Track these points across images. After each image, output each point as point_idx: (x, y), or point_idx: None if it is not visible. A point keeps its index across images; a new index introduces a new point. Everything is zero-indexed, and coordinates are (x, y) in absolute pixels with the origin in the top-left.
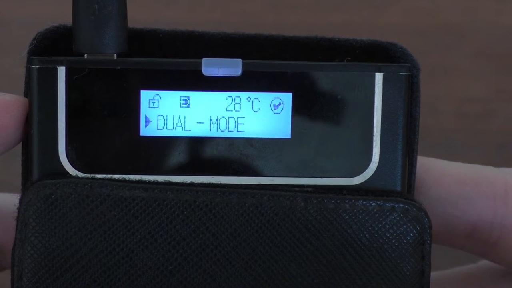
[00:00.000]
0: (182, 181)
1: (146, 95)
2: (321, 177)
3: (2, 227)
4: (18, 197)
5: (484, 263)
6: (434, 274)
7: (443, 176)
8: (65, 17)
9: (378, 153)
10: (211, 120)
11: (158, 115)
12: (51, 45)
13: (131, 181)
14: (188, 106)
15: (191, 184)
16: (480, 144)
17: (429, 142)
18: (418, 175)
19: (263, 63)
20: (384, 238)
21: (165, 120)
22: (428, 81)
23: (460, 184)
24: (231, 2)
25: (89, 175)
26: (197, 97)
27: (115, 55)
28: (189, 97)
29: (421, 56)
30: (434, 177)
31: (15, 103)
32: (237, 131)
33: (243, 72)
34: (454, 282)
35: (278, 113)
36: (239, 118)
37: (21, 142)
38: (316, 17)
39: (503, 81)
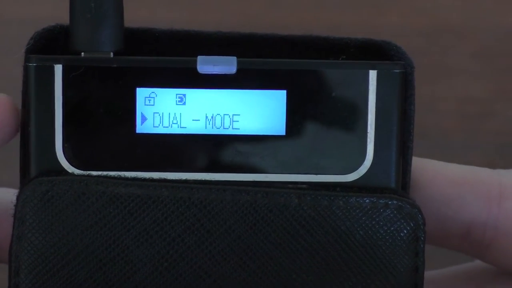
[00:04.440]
0: (177, 178)
1: (142, 93)
2: (315, 173)
3: None
4: (13, 192)
5: (480, 262)
6: (430, 273)
7: (438, 176)
8: (65, 17)
9: (372, 150)
10: (206, 117)
11: (154, 113)
12: (49, 44)
13: (127, 178)
14: (184, 103)
15: (186, 181)
16: (480, 144)
17: (429, 142)
18: (413, 175)
19: (257, 61)
20: (378, 234)
21: (161, 117)
22: (428, 81)
23: (454, 184)
24: (231, 2)
25: (85, 172)
26: (193, 94)
27: (111, 53)
28: (184, 95)
29: (421, 56)
30: (429, 177)
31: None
32: (232, 128)
33: (238, 70)
34: (450, 281)
35: (272, 110)
36: (234, 116)
37: (19, 140)
38: (316, 17)
39: (503, 81)
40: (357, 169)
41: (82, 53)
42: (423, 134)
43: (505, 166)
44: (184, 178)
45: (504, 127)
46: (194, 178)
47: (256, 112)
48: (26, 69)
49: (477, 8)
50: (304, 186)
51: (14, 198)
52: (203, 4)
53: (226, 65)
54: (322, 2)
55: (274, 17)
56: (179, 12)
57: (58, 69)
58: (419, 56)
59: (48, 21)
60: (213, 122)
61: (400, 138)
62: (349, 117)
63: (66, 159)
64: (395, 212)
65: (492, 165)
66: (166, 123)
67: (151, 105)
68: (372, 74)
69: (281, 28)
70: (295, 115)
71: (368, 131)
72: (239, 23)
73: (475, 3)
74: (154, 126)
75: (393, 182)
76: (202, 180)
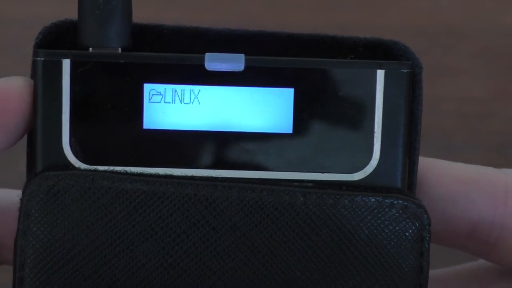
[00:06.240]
0: (183, 175)
1: (149, 89)
2: (321, 172)
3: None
4: (15, 194)
5: (484, 261)
6: (434, 272)
7: (444, 175)
8: (65, 17)
9: (379, 149)
10: (213, 114)
11: (160, 109)
12: (57, 39)
13: (133, 174)
14: (191, 100)
15: (192, 178)
16: (480, 144)
17: (429, 142)
18: (419, 174)
19: (265, 58)
20: (383, 234)
21: (168, 113)
22: (429, 81)
23: (461, 183)
24: (231, 2)
25: (91, 167)
26: (200, 91)
27: (119, 49)
28: (192, 91)
29: (421, 56)
30: (435, 176)
31: (23, 88)
32: (239, 125)
33: (246, 67)
34: (454, 280)
35: (280, 108)
36: (241, 113)
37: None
38: (316, 17)
39: (503, 81)
40: (363, 168)
41: (90, 48)
42: (423, 134)
43: (505, 166)
44: (190, 174)
45: (504, 127)
46: (200, 175)
47: (263, 110)
48: (34, 63)
49: (477, 8)
50: (310, 184)
51: (16, 199)
52: (205, 3)
53: (234, 62)
54: (322, 2)
55: (275, 17)
56: (180, 12)
57: (66, 63)
58: (419, 56)
59: (50, 21)
60: (220, 119)
61: (406, 138)
62: (356, 116)
63: (73, 153)
64: (400, 211)
65: (493, 165)
66: (173, 120)
67: (158, 101)
68: (380, 74)
69: (281, 28)
70: (302, 113)
71: (375, 130)
72: (239, 23)
73: (475, 3)
74: (160, 122)
75: (399, 181)
76: (208, 177)
